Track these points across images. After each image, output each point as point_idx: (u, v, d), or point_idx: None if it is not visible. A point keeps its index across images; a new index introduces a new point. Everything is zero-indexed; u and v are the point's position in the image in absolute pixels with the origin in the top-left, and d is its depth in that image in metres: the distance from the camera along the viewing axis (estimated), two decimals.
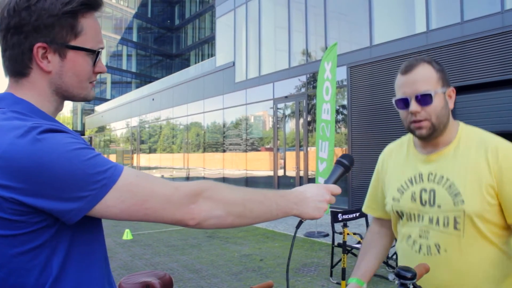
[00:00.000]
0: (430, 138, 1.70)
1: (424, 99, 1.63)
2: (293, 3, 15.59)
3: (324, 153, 8.50)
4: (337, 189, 1.36)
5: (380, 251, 1.99)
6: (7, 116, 1.03)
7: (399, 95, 1.70)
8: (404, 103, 1.68)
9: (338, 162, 1.45)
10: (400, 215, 1.81)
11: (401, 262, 1.81)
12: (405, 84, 1.68)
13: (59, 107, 1.18)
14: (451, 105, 1.70)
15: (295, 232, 1.36)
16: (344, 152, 12.64)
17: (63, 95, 1.15)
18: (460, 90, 9.65)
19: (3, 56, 1.11)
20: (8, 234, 0.97)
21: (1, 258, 0.98)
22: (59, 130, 1.01)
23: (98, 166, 1.00)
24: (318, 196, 1.30)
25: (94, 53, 1.16)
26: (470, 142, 1.68)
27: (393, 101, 1.74)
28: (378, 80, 11.57)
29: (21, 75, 1.11)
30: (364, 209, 2.13)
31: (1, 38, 1.09)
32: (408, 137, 1.88)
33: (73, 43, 1.11)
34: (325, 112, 8.54)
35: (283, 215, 1.23)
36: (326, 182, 1.41)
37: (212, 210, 1.09)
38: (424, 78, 1.65)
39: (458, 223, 1.61)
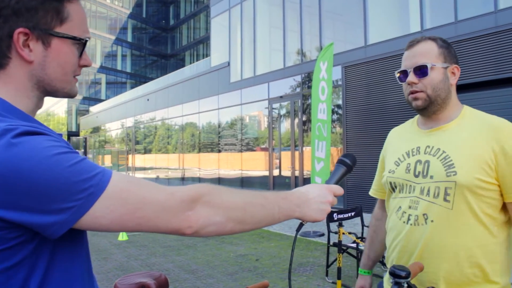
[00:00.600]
0: (428, 111, 1.75)
1: (421, 71, 1.71)
2: (288, 3, 15.60)
3: (321, 153, 8.51)
4: (339, 190, 1.28)
5: (385, 237, 2.00)
6: None
7: (401, 68, 1.79)
8: (404, 75, 1.77)
9: (340, 162, 1.39)
10: (393, 187, 1.84)
11: (389, 236, 1.84)
12: (407, 58, 1.78)
13: (39, 104, 1.06)
14: (452, 81, 1.76)
15: (296, 235, 1.30)
16: (339, 152, 12.67)
17: (45, 89, 1.03)
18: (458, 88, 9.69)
19: None
20: None
21: None
22: (38, 132, 0.89)
23: (84, 172, 0.88)
24: (321, 198, 1.22)
25: (81, 43, 1.04)
26: (473, 120, 1.70)
27: (396, 76, 1.82)
28: (373, 80, 11.60)
29: None
30: (370, 193, 2.19)
31: None
32: (414, 118, 1.94)
33: (59, 30, 0.99)
34: (321, 111, 8.55)
35: (285, 218, 1.15)
36: (327, 182, 1.34)
37: (210, 217, 0.99)
38: (424, 52, 1.73)
39: (448, 194, 1.62)
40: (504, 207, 1.62)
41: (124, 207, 0.91)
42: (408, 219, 1.71)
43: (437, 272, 1.63)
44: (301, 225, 1.28)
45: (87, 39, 1.06)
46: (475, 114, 1.74)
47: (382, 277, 1.94)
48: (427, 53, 1.73)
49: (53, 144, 0.88)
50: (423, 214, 1.66)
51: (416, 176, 1.73)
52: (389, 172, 1.86)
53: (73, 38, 1.02)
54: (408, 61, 1.76)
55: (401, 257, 1.75)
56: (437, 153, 1.69)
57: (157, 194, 0.95)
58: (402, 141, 1.89)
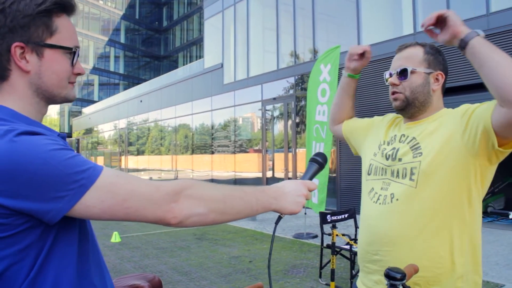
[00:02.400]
0: (406, 113, 1.87)
1: (402, 74, 1.82)
2: (281, 5, 15.63)
3: None
4: (313, 185, 1.39)
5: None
6: None
7: (388, 70, 1.90)
8: (390, 76, 1.89)
9: (313, 160, 1.50)
10: (369, 170, 1.95)
11: (361, 215, 1.95)
12: (394, 61, 1.90)
13: (42, 110, 1.19)
14: (434, 87, 1.84)
15: (275, 228, 1.40)
16: (332, 154, 12.69)
17: (44, 95, 1.16)
18: (446, 92, 9.73)
19: None
20: None
21: None
22: (36, 132, 1.01)
23: (77, 166, 1.00)
24: (297, 191, 1.33)
25: (71, 52, 1.17)
26: (448, 114, 1.78)
27: (384, 77, 1.94)
28: (366, 82, 11.63)
29: (0, 79, 1.11)
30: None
31: None
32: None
33: (49, 41, 1.12)
34: (321, 113, 8.54)
35: (263, 210, 1.26)
36: (302, 178, 1.45)
37: (193, 208, 1.10)
38: (409, 56, 1.84)
39: (413, 173, 1.72)
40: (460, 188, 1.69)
41: (114, 199, 1.02)
42: (378, 199, 1.83)
43: (400, 250, 1.71)
44: (279, 218, 1.38)
45: (76, 48, 1.19)
46: (449, 110, 1.82)
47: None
48: (412, 57, 1.83)
49: (49, 142, 1.00)
50: (391, 194, 1.77)
51: (387, 159, 1.86)
52: (374, 155, 1.97)
53: (63, 48, 1.15)
54: (394, 63, 1.88)
55: (369, 236, 1.85)
56: (409, 140, 1.82)
57: (144, 187, 1.06)
58: (385, 129, 2.02)
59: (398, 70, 1.83)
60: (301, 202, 1.33)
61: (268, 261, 1.37)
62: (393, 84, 1.85)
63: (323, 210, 7.59)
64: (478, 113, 1.59)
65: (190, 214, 1.10)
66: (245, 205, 1.21)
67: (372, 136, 2.07)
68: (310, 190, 1.38)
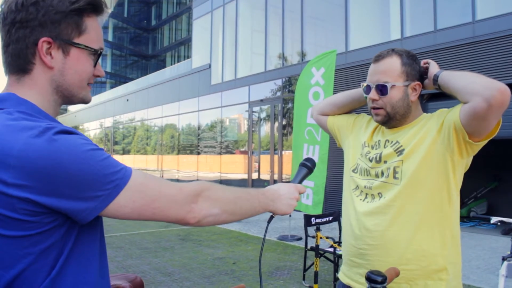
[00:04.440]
0: (388, 125, 1.92)
1: (382, 89, 1.84)
2: (270, 7, 15.66)
3: (313, 157, 8.50)
4: (303, 188, 1.48)
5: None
6: (14, 116, 1.02)
7: (366, 81, 1.91)
8: (368, 89, 1.90)
9: (302, 165, 1.60)
10: (356, 169, 2.01)
11: (346, 211, 2.00)
12: (371, 73, 1.89)
13: (57, 109, 1.19)
14: (413, 98, 1.87)
15: (267, 226, 1.51)
16: None
17: (63, 94, 1.15)
18: (432, 97, 9.85)
19: (5, 52, 1.11)
20: (20, 235, 0.97)
21: (11, 259, 0.98)
22: (72, 131, 1.03)
23: (112, 166, 1.02)
24: (290, 194, 1.42)
25: (96, 53, 1.18)
26: (427, 118, 1.86)
27: (361, 86, 1.96)
28: (354, 85, 11.68)
29: (23, 72, 1.11)
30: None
31: (4, 32, 1.09)
32: None
33: (77, 40, 1.13)
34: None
35: (263, 211, 1.34)
36: (292, 181, 1.54)
37: (210, 209, 1.16)
38: (387, 70, 1.84)
39: (397, 172, 1.80)
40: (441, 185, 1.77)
41: (144, 199, 1.06)
42: (365, 198, 1.90)
43: (385, 244, 1.78)
44: (271, 217, 1.46)
45: (102, 51, 1.19)
46: (428, 115, 1.90)
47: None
48: (390, 71, 1.83)
49: (85, 142, 1.02)
50: (378, 193, 1.85)
51: (371, 161, 1.93)
52: (360, 155, 2.03)
53: (90, 49, 1.15)
54: (372, 76, 1.88)
55: (355, 231, 1.89)
56: (392, 144, 1.88)
57: (169, 188, 1.11)
58: (370, 132, 2.05)
59: (377, 85, 1.84)
60: (293, 204, 1.42)
61: (259, 259, 1.45)
62: (373, 100, 1.87)
63: (320, 212, 7.61)
64: (450, 114, 1.73)
65: (208, 214, 1.16)
66: (250, 206, 1.29)
67: (355, 133, 2.14)
68: (300, 193, 1.46)
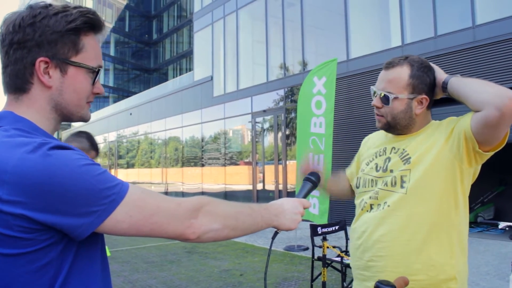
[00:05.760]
0: (390, 131, 1.93)
1: (384, 99, 1.85)
2: (270, 18, 15.73)
3: (318, 166, 8.46)
4: (307, 203, 1.46)
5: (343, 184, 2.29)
6: (10, 133, 1.03)
7: (375, 86, 1.91)
8: (373, 94, 1.91)
9: (307, 179, 1.60)
10: (358, 184, 2.01)
11: (354, 225, 1.98)
12: (380, 79, 1.89)
13: (57, 127, 1.18)
14: (417, 111, 1.84)
15: (271, 242, 1.48)
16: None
17: (62, 112, 1.15)
18: (434, 103, 9.82)
19: (3, 73, 1.12)
20: (16, 253, 0.96)
21: (7, 278, 0.97)
22: (67, 147, 1.02)
23: (107, 181, 1.01)
24: (294, 209, 1.39)
25: (94, 72, 1.17)
26: (435, 126, 1.86)
27: (371, 89, 1.95)
28: (355, 94, 11.71)
29: (21, 91, 1.11)
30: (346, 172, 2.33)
31: (3, 53, 1.10)
32: None
33: (74, 59, 1.13)
34: (317, 125, 8.56)
35: (266, 226, 1.32)
36: (297, 196, 1.53)
37: (210, 224, 1.14)
38: (393, 79, 1.83)
39: (404, 181, 1.78)
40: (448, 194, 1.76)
41: (141, 214, 1.04)
42: (371, 208, 1.88)
43: (393, 255, 1.76)
44: (276, 233, 1.44)
45: (100, 68, 1.19)
46: (436, 122, 1.88)
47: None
48: (396, 81, 1.82)
49: (80, 157, 1.01)
50: (384, 202, 1.83)
51: (377, 171, 1.91)
52: (361, 171, 2.03)
53: (87, 67, 1.15)
54: (379, 83, 1.88)
55: (362, 243, 1.87)
56: (399, 152, 1.87)
57: (168, 203, 1.09)
58: (375, 145, 2.05)
59: (381, 94, 1.85)
60: (297, 219, 1.39)
61: (265, 275, 1.45)
62: (376, 107, 1.88)
63: (325, 221, 7.58)
64: (461, 122, 1.71)
65: (208, 230, 1.13)
66: (253, 222, 1.26)
67: (362, 158, 2.14)
68: (305, 208, 1.43)
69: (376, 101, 1.88)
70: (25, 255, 0.96)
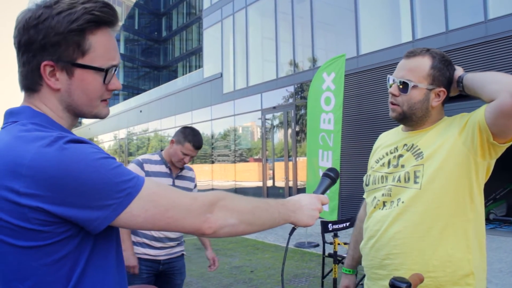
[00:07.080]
0: (403, 123, 1.90)
1: (403, 87, 1.80)
2: (280, 14, 15.68)
3: (327, 163, 8.48)
4: (326, 199, 1.45)
5: None
6: (28, 128, 1.03)
7: (392, 75, 1.87)
8: (393, 82, 1.86)
9: (325, 175, 1.57)
10: (367, 181, 1.97)
11: (366, 224, 1.95)
12: (399, 67, 1.86)
13: (73, 122, 1.18)
14: (434, 104, 1.82)
15: (289, 239, 1.46)
16: None
17: (74, 112, 1.15)
18: (451, 99, 9.74)
19: (18, 72, 1.12)
20: (33, 246, 0.97)
21: (25, 271, 0.98)
22: (83, 140, 1.03)
23: (123, 175, 1.01)
24: (311, 205, 1.37)
25: (103, 71, 1.13)
26: (448, 120, 1.83)
27: (388, 80, 1.91)
28: (365, 90, 11.64)
29: (33, 91, 1.12)
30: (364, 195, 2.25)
31: (16, 54, 1.11)
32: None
33: (80, 61, 1.09)
34: (326, 122, 8.56)
35: (283, 222, 1.30)
36: (315, 192, 1.50)
37: (226, 219, 1.13)
38: (414, 68, 1.80)
39: (417, 177, 1.75)
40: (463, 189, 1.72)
41: (157, 208, 1.04)
42: (384, 205, 1.84)
43: (409, 252, 1.72)
44: (293, 229, 1.44)
45: (111, 67, 1.14)
46: (449, 117, 1.85)
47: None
48: (416, 70, 1.79)
49: (96, 151, 1.01)
50: (397, 199, 1.79)
51: (388, 167, 1.89)
52: (371, 168, 2.01)
53: (94, 68, 1.11)
54: (398, 71, 1.85)
55: (376, 242, 1.84)
56: (411, 148, 1.84)
57: (183, 198, 1.09)
58: (385, 144, 2.02)
59: (400, 81, 1.81)
60: (315, 215, 1.37)
61: (282, 271, 1.43)
62: (393, 94, 1.84)
63: (335, 218, 7.59)
64: (474, 114, 1.68)
65: (224, 225, 1.12)
66: (269, 217, 1.25)
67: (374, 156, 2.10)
68: (323, 204, 1.43)
69: (393, 89, 1.83)
70: (42, 248, 0.97)
